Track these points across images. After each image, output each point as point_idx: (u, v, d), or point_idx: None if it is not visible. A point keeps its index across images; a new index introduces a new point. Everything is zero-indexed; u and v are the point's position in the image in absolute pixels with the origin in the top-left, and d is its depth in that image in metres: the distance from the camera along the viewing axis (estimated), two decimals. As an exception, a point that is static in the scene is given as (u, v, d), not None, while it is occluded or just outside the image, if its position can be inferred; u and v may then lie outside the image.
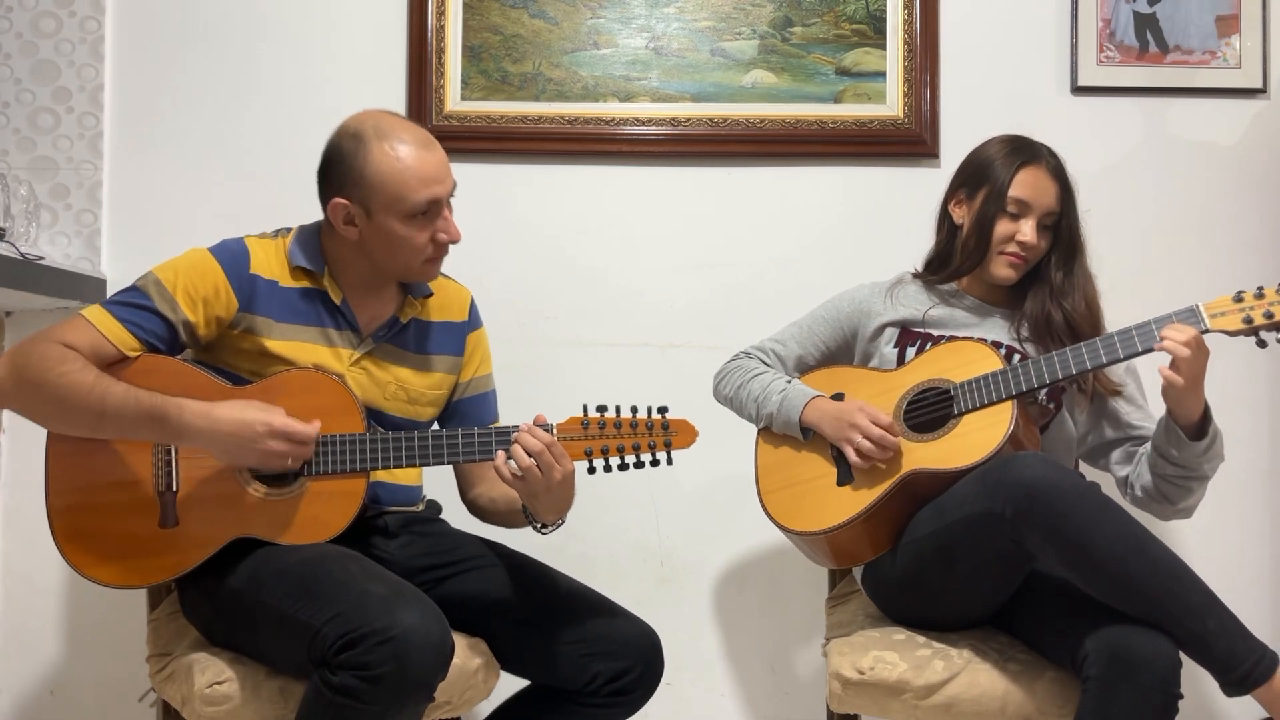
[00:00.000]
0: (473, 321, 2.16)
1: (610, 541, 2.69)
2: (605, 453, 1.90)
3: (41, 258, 2.44)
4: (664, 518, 2.70)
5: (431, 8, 2.66)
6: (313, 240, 2.01)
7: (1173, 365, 1.89)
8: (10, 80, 2.65)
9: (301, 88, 2.69)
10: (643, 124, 2.68)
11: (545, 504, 1.90)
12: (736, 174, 2.71)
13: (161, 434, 1.84)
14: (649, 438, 1.91)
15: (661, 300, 2.70)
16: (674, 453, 1.92)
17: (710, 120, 2.68)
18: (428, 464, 1.93)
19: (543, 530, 1.98)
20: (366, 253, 1.96)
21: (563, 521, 1.98)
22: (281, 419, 1.82)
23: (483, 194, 2.70)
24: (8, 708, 2.64)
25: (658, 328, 2.70)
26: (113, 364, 1.86)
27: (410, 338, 2.05)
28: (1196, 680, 1.82)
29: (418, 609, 1.70)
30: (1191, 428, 1.96)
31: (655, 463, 1.91)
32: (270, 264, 1.97)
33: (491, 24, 2.68)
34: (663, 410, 1.92)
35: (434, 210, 1.93)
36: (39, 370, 1.81)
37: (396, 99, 2.67)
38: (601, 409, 1.90)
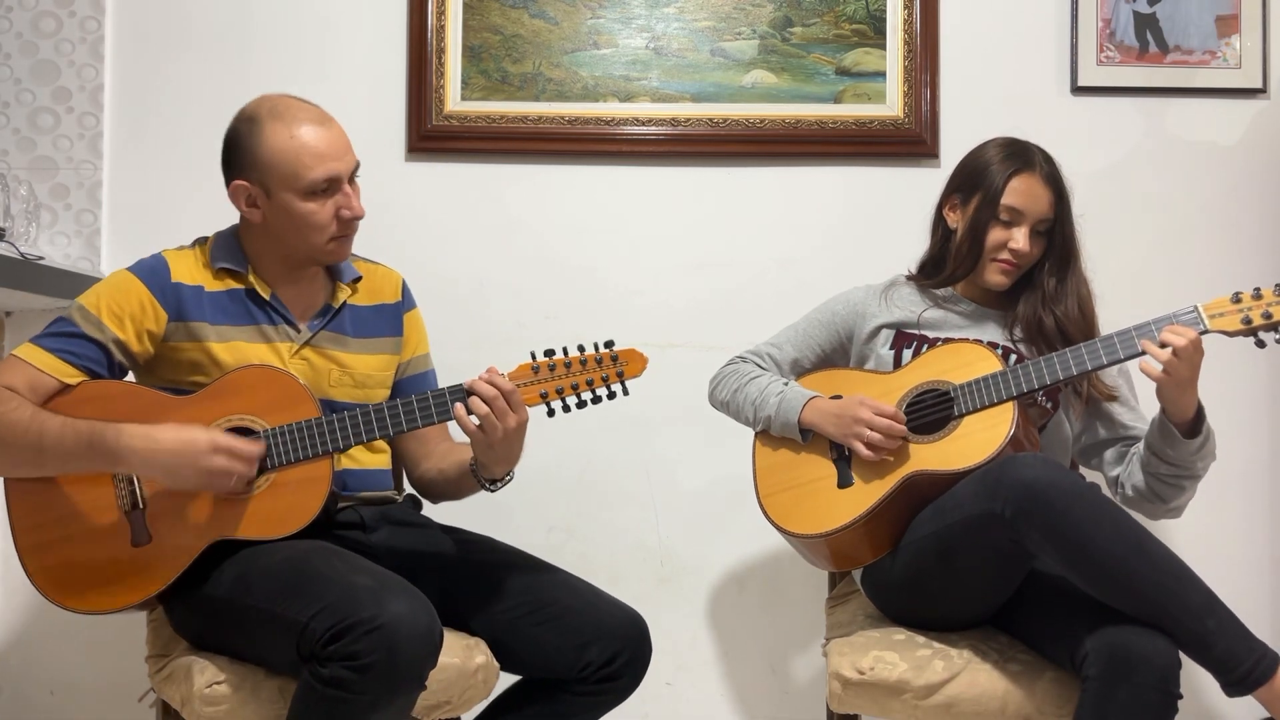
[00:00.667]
0: (406, 302, 2.17)
1: (610, 541, 2.69)
2: (560, 393, 1.90)
3: (41, 258, 2.44)
4: (664, 518, 2.70)
5: (431, 8, 2.66)
6: (231, 240, 2.02)
7: (1163, 365, 1.90)
8: (10, 80, 2.65)
9: (301, 87, 2.66)
10: (643, 124, 2.68)
11: (499, 454, 1.90)
12: (736, 174, 2.71)
13: (101, 460, 1.82)
14: (600, 371, 1.90)
15: (661, 300, 2.70)
16: (628, 382, 1.92)
17: (710, 120, 2.68)
18: (388, 434, 1.92)
19: (492, 487, 1.99)
20: (274, 235, 1.97)
21: (511, 476, 1.98)
22: (225, 436, 1.82)
23: (483, 194, 2.71)
24: (8, 708, 2.64)
25: (657, 328, 2.70)
26: (55, 396, 1.87)
27: (346, 323, 2.06)
28: (1197, 681, 1.82)
29: (405, 598, 1.70)
30: (1185, 426, 1.97)
31: (611, 395, 1.91)
32: (192, 271, 1.97)
33: (491, 24, 2.68)
34: (609, 344, 1.92)
35: (334, 186, 1.94)
36: None
37: (396, 99, 2.67)
38: (549, 352, 1.91)
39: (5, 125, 2.65)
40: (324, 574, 1.76)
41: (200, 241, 2.04)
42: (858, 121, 2.67)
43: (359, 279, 2.09)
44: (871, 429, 2.01)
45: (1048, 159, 2.16)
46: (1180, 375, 1.90)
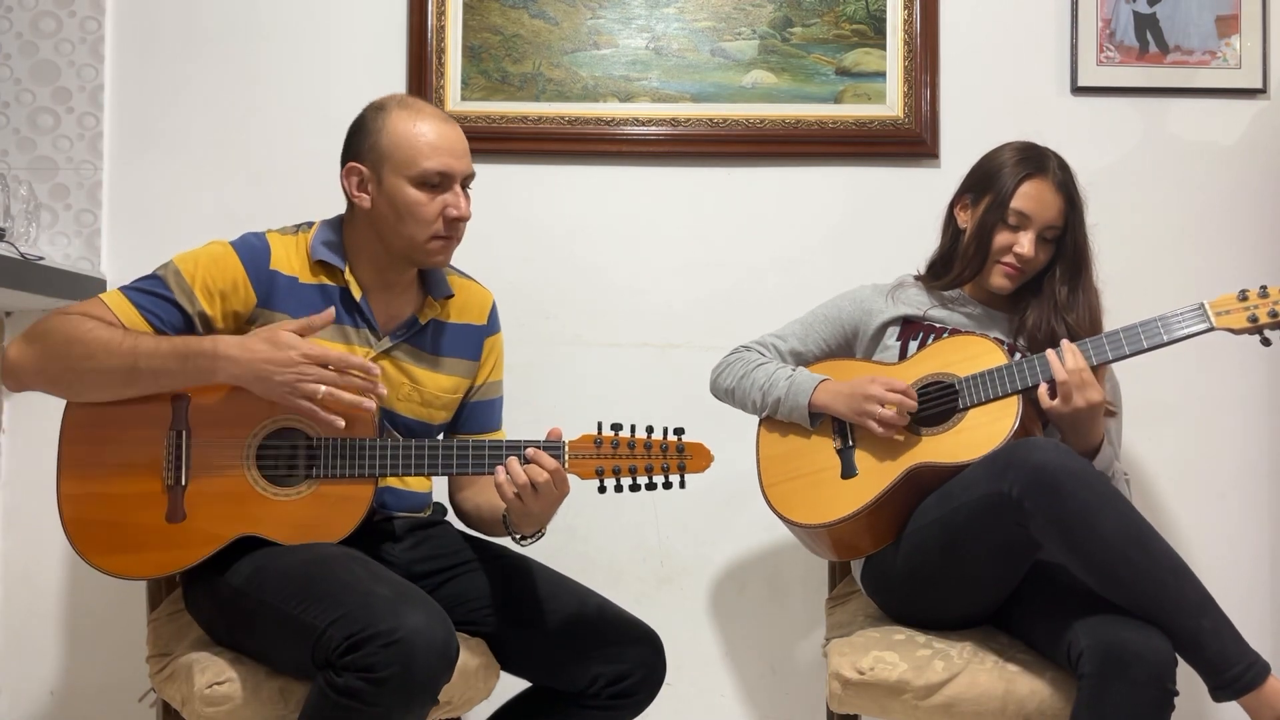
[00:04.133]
0: (491, 326, 2.15)
1: (610, 541, 2.69)
2: (617, 473, 1.88)
3: (41, 258, 2.44)
4: (664, 517, 2.70)
5: (431, 8, 2.66)
6: (335, 234, 2.00)
7: (1059, 393, 1.96)
8: (10, 80, 2.65)
9: (302, 87, 2.69)
10: (643, 124, 2.68)
11: (531, 519, 1.91)
12: (736, 174, 2.71)
13: (196, 369, 1.83)
14: (663, 460, 1.88)
15: (662, 300, 2.70)
16: (687, 476, 1.90)
17: (710, 120, 2.68)
18: (436, 473, 1.92)
19: (521, 542, 1.98)
20: (377, 226, 1.95)
21: (542, 534, 1.97)
22: (313, 345, 1.82)
23: (483, 194, 2.69)
24: (8, 708, 2.64)
25: (658, 328, 2.70)
26: None
27: (428, 339, 2.04)
28: (1195, 684, 1.82)
29: (423, 611, 1.70)
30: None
31: (668, 485, 1.89)
32: (290, 260, 1.96)
33: (491, 24, 2.68)
34: (679, 432, 1.90)
35: (445, 183, 1.94)
36: (66, 332, 1.82)
37: (396, 99, 2.67)
38: (616, 427, 1.88)
39: (5, 125, 2.65)
40: (343, 580, 1.75)
41: (303, 227, 2.02)
42: (858, 121, 2.67)
43: (451, 297, 2.07)
44: (884, 405, 2.02)
45: (1063, 166, 2.16)
46: (1065, 415, 1.97)
